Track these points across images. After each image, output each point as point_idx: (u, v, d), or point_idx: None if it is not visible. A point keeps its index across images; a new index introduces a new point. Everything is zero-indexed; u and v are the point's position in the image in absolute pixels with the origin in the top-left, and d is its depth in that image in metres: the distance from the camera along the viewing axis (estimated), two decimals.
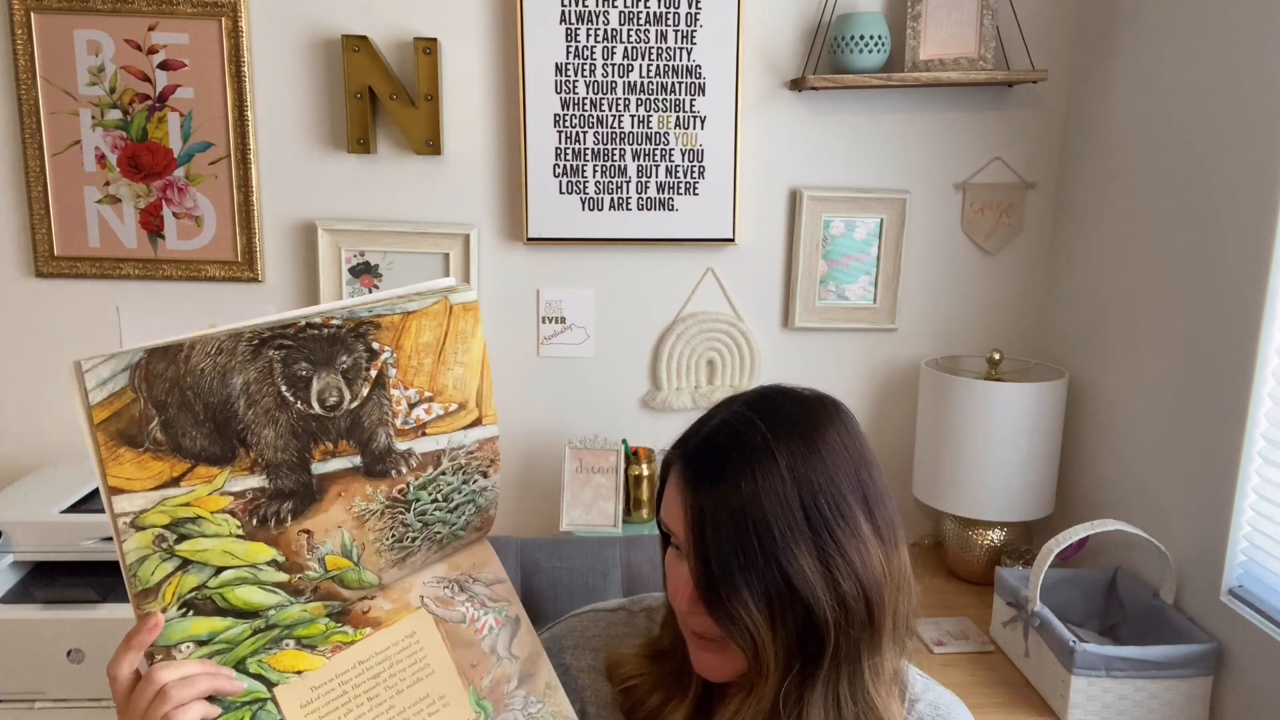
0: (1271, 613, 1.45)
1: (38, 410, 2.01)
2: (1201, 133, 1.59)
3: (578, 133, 1.94)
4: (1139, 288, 1.77)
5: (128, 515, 0.72)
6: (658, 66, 1.93)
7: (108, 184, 1.92)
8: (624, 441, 1.99)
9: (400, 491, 0.83)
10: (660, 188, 1.97)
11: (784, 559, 0.74)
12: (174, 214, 1.94)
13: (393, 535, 0.83)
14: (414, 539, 0.85)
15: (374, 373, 0.81)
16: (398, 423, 0.83)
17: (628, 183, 1.97)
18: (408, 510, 0.84)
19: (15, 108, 1.89)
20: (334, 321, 0.79)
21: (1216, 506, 1.54)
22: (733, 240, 2.01)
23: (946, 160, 2.03)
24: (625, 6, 1.90)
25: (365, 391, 0.81)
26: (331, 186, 1.97)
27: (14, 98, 1.88)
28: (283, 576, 0.78)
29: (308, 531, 0.79)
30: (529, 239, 1.98)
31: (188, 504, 0.74)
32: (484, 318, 2.14)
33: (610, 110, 1.94)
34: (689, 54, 1.92)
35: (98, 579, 1.61)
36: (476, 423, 0.87)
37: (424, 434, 0.84)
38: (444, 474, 0.86)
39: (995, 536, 1.93)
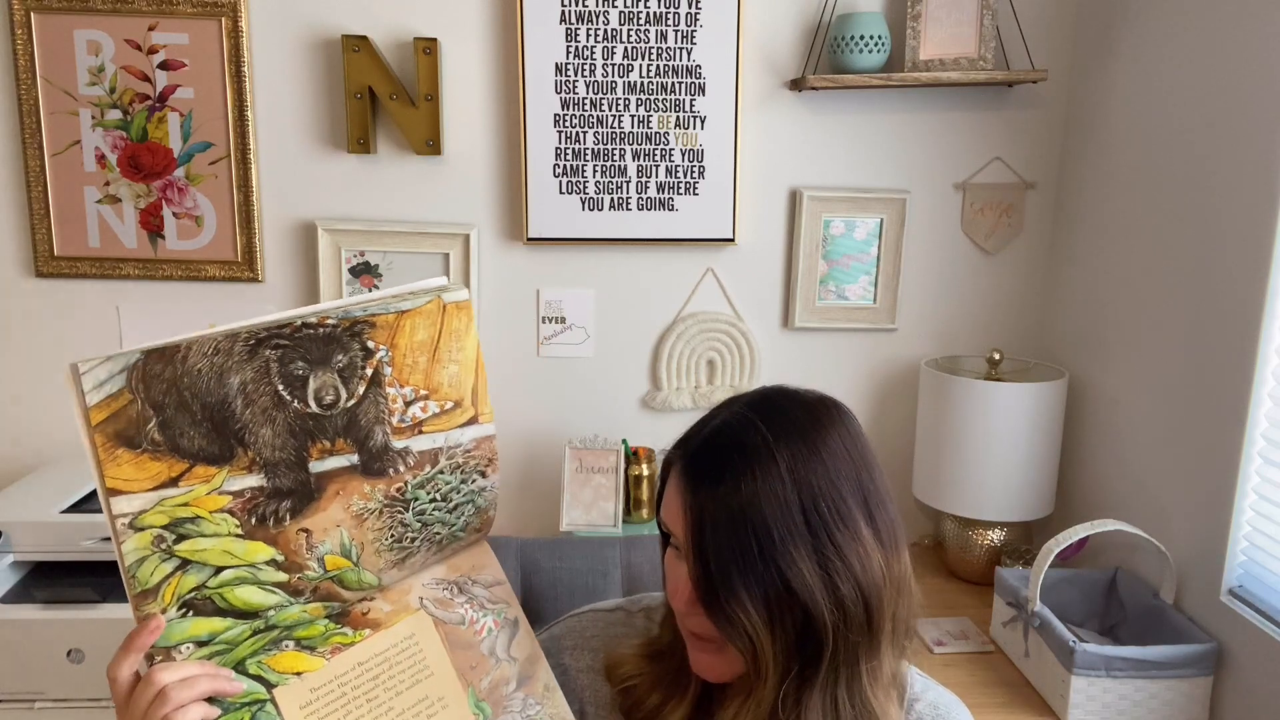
0: (1271, 613, 1.45)
1: (38, 410, 2.01)
2: (1201, 133, 1.59)
3: (578, 133, 1.94)
4: (1139, 287, 1.77)
5: (126, 516, 0.72)
6: (658, 66, 1.93)
7: (108, 184, 1.92)
8: (624, 441, 1.99)
9: (398, 490, 0.83)
10: (660, 188, 1.97)
11: (783, 562, 0.74)
12: (174, 214, 1.94)
13: (392, 535, 0.84)
14: (413, 539, 0.85)
15: (370, 371, 0.81)
16: (394, 420, 0.83)
17: (628, 183, 1.97)
18: (406, 510, 0.84)
19: (15, 108, 1.89)
20: (329, 321, 0.79)
21: (1216, 506, 1.54)
22: (733, 240, 2.01)
23: (946, 160, 2.03)
24: (625, 6, 1.89)
25: (361, 390, 0.81)
26: (331, 186, 1.97)
27: (14, 98, 1.88)
28: (282, 576, 0.78)
29: (306, 530, 0.79)
30: (529, 239, 1.98)
31: (186, 504, 0.74)
32: (484, 318, 2.15)
33: (610, 110, 1.94)
34: (689, 54, 1.92)
35: (98, 579, 1.61)
36: (473, 421, 0.87)
37: (420, 432, 0.84)
38: (442, 473, 0.86)
39: (995, 536, 1.93)
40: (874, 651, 0.77)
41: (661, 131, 1.95)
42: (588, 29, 1.90)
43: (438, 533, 0.87)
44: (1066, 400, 1.92)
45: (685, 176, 1.97)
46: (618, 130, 1.94)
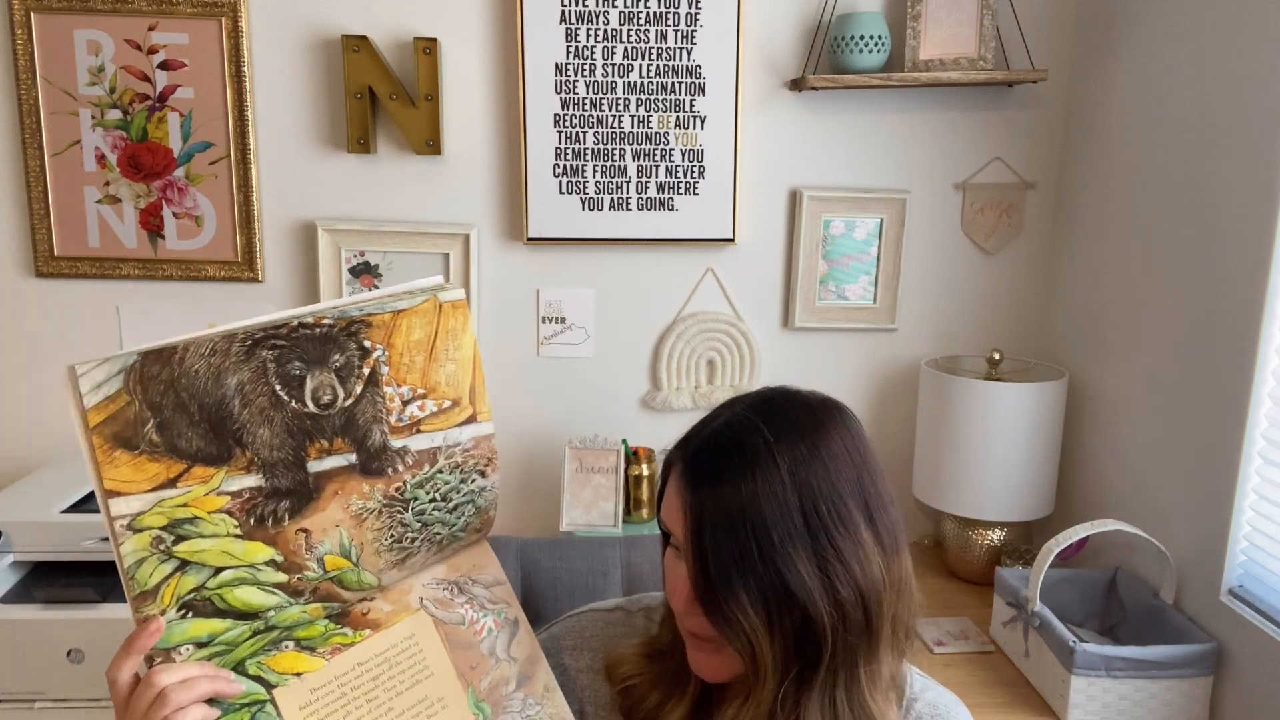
0: (1271, 613, 1.45)
1: (38, 410, 2.01)
2: (1201, 133, 1.59)
3: (578, 133, 1.94)
4: (1139, 287, 1.77)
5: (125, 518, 0.72)
6: (658, 66, 1.92)
7: (108, 184, 1.92)
8: (624, 441, 1.99)
9: (397, 490, 0.83)
10: (660, 188, 1.97)
11: (782, 564, 0.74)
12: (174, 214, 1.94)
13: (391, 535, 0.83)
14: (413, 539, 0.85)
15: (367, 370, 0.81)
16: (392, 420, 0.83)
17: (628, 183, 1.97)
18: (406, 509, 0.84)
19: (15, 108, 1.89)
20: (326, 321, 0.79)
21: (1216, 506, 1.54)
22: (733, 240, 2.01)
23: (946, 160, 2.03)
24: (625, 6, 1.89)
25: (359, 389, 0.81)
26: (331, 186, 1.97)
27: (14, 98, 1.88)
28: (281, 577, 0.78)
29: (306, 530, 0.79)
30: (529, 239, 1.98)
31: (185, 505, 0.74)
32: (484, 318, 2.15)
33: (610, 110, 1.94)
34: (689, 54, 1.92)
35: (98, 579, 1.61)
36: (471, 420, 0.87)
37: (418, 431, 0.84)
38: (441, 472, 0.86)
39: (995, 536, 1.93)
40: (873, 654, 0.77)
41: (661, 131, 1.95)
42: (588, 29, 1.90)
43: (438, 533, 0.87)
44: (1066, 400, 1.92)
45: (685, 176, 1.97)
46: (618, 130, 1.94)
